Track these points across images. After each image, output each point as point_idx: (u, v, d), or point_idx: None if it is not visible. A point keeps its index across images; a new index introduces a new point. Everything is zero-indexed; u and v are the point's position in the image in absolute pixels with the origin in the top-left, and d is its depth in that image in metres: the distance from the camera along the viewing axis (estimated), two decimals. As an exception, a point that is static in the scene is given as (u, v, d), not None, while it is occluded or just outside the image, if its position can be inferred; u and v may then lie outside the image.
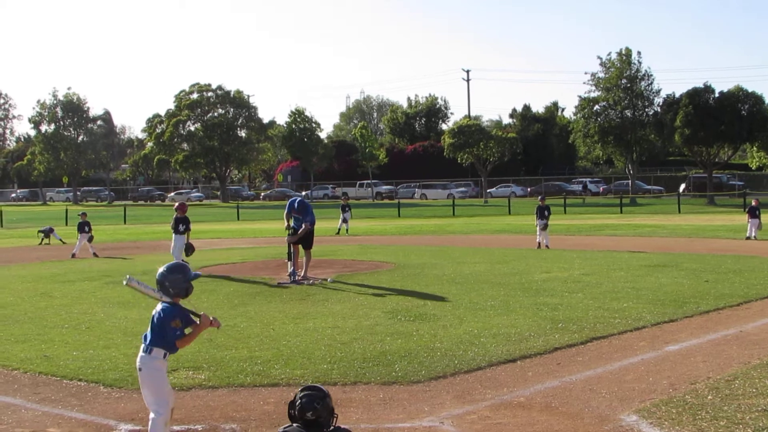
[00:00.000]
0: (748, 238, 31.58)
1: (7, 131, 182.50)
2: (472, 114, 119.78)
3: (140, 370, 7.25)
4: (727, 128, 70.14)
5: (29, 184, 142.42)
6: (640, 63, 79.00)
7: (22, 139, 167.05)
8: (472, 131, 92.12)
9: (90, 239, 29.95)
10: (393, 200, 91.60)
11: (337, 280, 19.66)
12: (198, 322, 7.29)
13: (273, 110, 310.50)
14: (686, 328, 12.96)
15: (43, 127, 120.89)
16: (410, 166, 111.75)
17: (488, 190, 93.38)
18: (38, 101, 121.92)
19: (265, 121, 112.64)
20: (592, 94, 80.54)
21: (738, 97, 72.15)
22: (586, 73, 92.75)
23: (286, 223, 20.42)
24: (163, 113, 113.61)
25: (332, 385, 9.50)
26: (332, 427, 6.43)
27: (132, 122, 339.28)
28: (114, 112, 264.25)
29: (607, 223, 44.88)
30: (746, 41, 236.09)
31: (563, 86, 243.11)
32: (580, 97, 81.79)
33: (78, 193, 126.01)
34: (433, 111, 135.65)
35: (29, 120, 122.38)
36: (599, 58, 79.99)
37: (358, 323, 13.63)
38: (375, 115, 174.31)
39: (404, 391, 9.57)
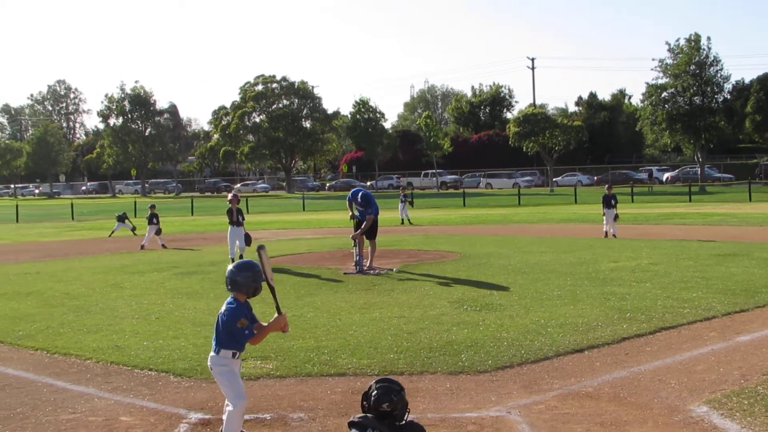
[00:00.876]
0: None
1: (77, 125, 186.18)
2: (538, 102, 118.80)
3: (211, 369, 7.35)
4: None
5: (99, 176, 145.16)
6: (709, 49, 77.85)
7: (92, 133, 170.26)
8: (537, 120, 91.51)
9: (158, 231, 30.33)
10: (458, 190, 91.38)
11: (403, 269, 19.68)
12: (270, 322, 7.32)
13: (337, 101, 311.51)
14: (758, 319, 12.72)
15: (112, 121, 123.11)
16: (475, 155, 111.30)
17: (554, 179, 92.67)
18: (106, 95, 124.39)
19: (330, 111, 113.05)
20: (660, 81, 79.46)
21: (811, 82, 70.66)
22: (654, 60, 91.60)
23: (350, 212, 20.51)
24: (228, 105, 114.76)
25: (399, 374, 9.51)
26: (404, 422, 6.42)
27: (198, 115, 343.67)
28: (180, 104, 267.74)
29: (676, 211, 44.19)
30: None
31: (630, 73, 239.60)
32: (647, 83, 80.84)
33: (146, 185, 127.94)
34: (498, 100, 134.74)
35: (98, 114, 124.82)
36: (667, 44, 79.02)
37: (424, 313, 13.63)
38: (439, 104, 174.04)
39: (471, 380, 9.54)
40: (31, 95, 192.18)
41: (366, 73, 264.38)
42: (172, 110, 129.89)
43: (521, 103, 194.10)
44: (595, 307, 13.74)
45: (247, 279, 7.26)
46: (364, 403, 6.44)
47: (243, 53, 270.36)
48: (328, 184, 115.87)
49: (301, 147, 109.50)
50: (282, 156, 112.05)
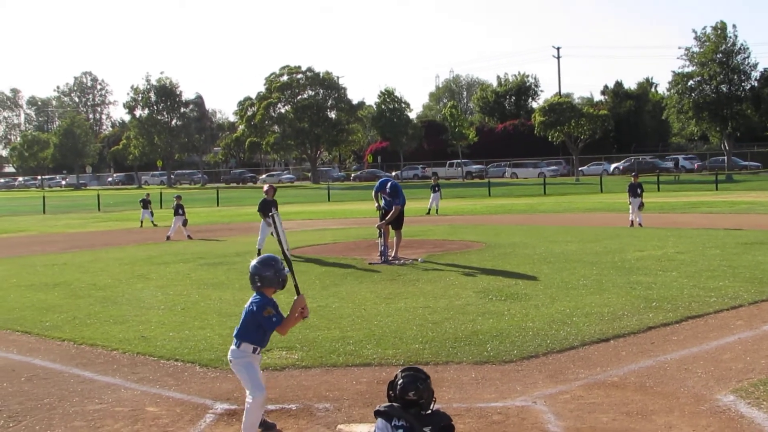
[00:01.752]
0: None
1: (104, 116, 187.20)
2: (563, 91, 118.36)
3: (231, 362, 7.38)
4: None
5: (125, 168, 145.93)
6: (735, 36, 77.30)
7: (118, 124, 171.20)
8: (563, 109, 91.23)
9: (185, 222, 30.47)
10: (483, 179, 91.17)
11: (428, 260, 19.67)
12: (291, 308, 7.33)
13: (363, 91, 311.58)
14: (785, 307, 12.64)
15: (138, 112, 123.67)
16: (500, 144, 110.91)
17: (579, 168, 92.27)
18: (132, 87, 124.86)
19: (355, 102, 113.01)
20: (687, 69, 78.90)
21: (839, 69, 69.97)
22: (680, 48, 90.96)
23: (376, 203, 20.49)
24: (253, 96, 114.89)
25: (424, 364, 9.48)
26: (430, 411, 6.41)
27: (223, 106, 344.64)
28: (206, 96, 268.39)
29: (702, 200, 43.93)
30: None
31: (657, 62, 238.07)
32: (674, 72, 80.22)
33: (172, 176, 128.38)
34: (523, 89, 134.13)
35: (124, 105, 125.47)
36: (694, 32, 78.62)
37: (450, 303, 13.62)
38: (464, 94, 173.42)
39: (496, 370, 9.54)
40: (58, 87, 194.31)
41: (391, 63, 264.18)
42: (198, 101, 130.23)
43: (546, 92, 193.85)
44: (620, 296, 13.68)
45: (269, 274, 7.25)
46: (390, 392, 6.42)
47: (268, 44, 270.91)
48: (353, 175, 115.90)
49: (326, 137, 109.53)
50: (307, 147, 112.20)
